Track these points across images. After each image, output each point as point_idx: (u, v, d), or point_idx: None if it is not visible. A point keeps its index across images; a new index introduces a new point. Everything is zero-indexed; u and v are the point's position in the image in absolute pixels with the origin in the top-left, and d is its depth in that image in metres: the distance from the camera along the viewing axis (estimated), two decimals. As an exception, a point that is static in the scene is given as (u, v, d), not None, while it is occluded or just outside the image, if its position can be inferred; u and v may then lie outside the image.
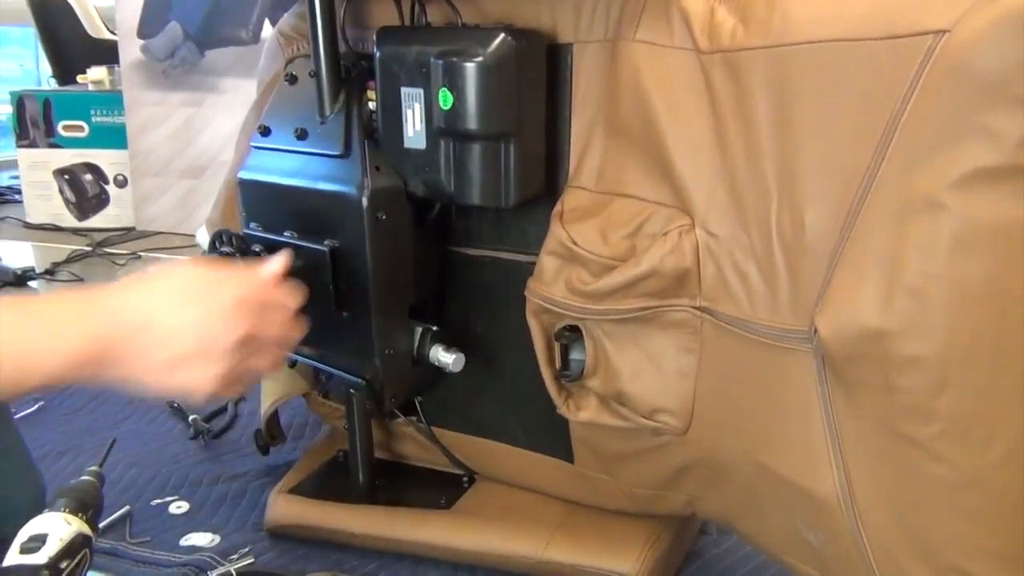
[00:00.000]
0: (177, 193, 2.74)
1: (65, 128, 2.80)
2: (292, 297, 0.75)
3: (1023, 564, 0.65)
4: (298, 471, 1.20)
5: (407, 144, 0.89)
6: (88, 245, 2.64)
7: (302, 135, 0.95)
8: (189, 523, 1.18)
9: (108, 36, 3.29)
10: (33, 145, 2.82)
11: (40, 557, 0.73)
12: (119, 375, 0.65)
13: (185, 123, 2.67)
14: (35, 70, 4.46)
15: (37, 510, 0.88)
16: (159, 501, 1.23)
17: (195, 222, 2.53)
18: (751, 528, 0.90)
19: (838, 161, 0.68)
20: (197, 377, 0.67)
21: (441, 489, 1.13)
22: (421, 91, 0.86)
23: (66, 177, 2.83)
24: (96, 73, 2.88)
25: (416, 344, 0.98)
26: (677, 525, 1.04)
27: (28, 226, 2.86)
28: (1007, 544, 0.65)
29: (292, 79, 0.98)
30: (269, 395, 1.20)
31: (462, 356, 0.96)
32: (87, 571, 0.78)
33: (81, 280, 2.37)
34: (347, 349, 0.98)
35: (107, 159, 2.82)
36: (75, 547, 0.76)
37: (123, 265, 2.50)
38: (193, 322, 0.66)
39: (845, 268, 0.68)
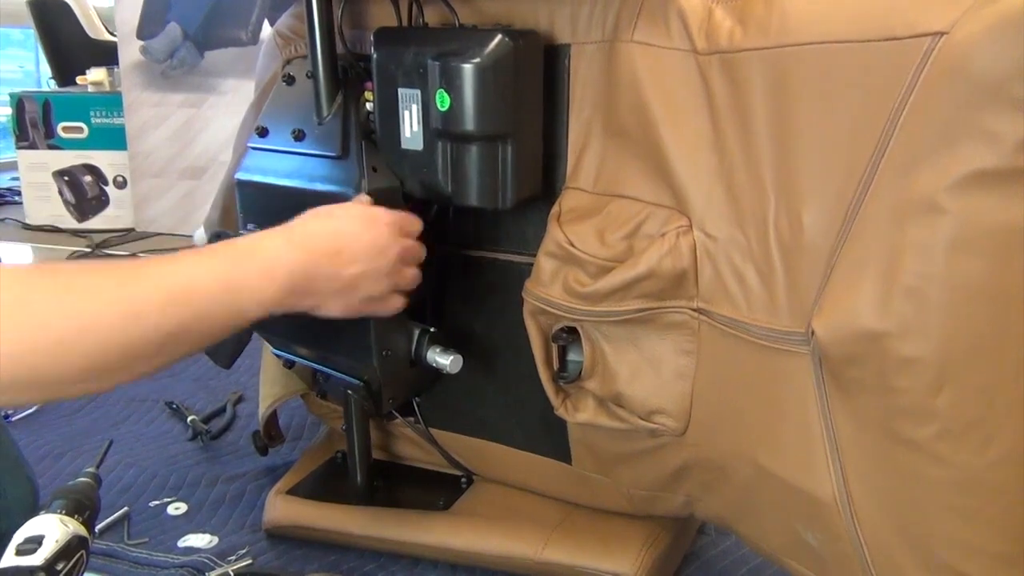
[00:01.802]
0: (176, 194, 2.74)
1: (64, 129, 2.80)
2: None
3: (1020, 565, 0.65)
4: (296, 472, 1.20)
5: (404, 145, 0.89)
6: (88, 247, 2.64)
7: (299, 136, 0.94)
8: (187, 524, 1.18)
9: (107, 37, 3.30)
10: (33, 146, 2.82)
11: (36, 559, 0.73)
12: (314, 301, 0.77)
13: (184, 124, 2.67)
14: (35, 72, 4.46)
15: (30, 508, 0.88)
16: (157, 502, 1.23)
17: (194, 223, 2.53)
18: (749, 529, 0.90)
19: (836, 162, 0.68)
20: (372, 290, 0.80)
21: (439, 490, 1.13)
22: (418, 92, 0.86)
23: (66, 178, 2.83)
24: (95, 74, 2.88)
25: (414, 345, 0.97)
26: (675, 526, 1.04)
27: (28, 228, 2.86)
28: (1004, 545, 0.65)
29: (290, 80, 0.98)
30: (267, 396, 1.20)
31: (460, 358, 0.96)
32: (83, 573, 0.78)
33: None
34: (345, 350, 0.98)
35: (107, 160, 2.82)
36: (71, 548, 0.76)
37: (122, 266, 2.50)
38: (369, 242, 0.80)
39: (843, 270, 0.68)
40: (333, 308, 0.79)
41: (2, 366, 0.57)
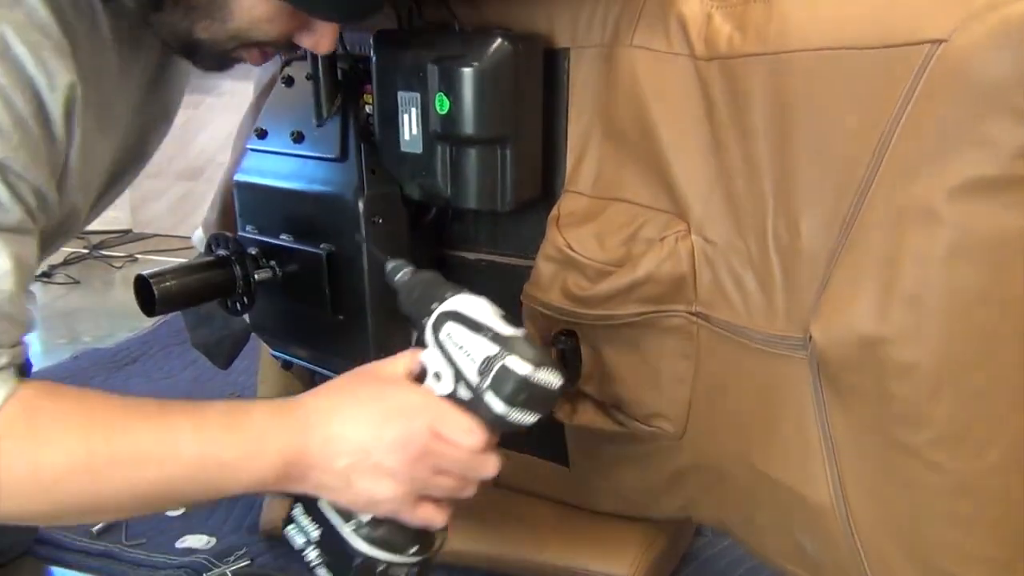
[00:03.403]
0: (174, 195, 2.74)
1: (62, 128, 2.79)
2: (476, 440, 0.68)
3: (1016, 570, 0.65)
4: (294, 474, 1.20)
5: (404, 148, 0.89)
6: (85, 247, 2.63)
7: (298, 138, 0.94)
8: (185, 525, 1.18)
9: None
10: (30, 145, 2.81)
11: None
12: (307, 487, 0.68)
13: (183, 124, 2.67)
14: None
15: None
16: (155, 503, 1.23)
17: (192, 224, 2.52)
18: (747, 533, 0.90)
19: (834, 168, 0.69)
20: (372, 489, 0.67)
21: (437, 492, 1.13)
22: (418, 95, 0.86)
23: (63, 178, 2.82)
24: (94, 74, 2.87)
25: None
26: (672, 528, 1.05)
27: (25, 227, 2.85)
28: (1000, 551, 0.65)
29: (289, 81, 0.98)
30: (265, 397, 1.20)
31: (458, 360, 0.96)
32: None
33: (77, 283, 2.36)
34: (343, 353, 0.97)
35: (104, 160, 2.81)
36: None
37: (119, 268, 2.50)
38: (369, 438, 0.67)
39: (841, 276, 0.68)
40: (331, 496, 0.69)
41: None
